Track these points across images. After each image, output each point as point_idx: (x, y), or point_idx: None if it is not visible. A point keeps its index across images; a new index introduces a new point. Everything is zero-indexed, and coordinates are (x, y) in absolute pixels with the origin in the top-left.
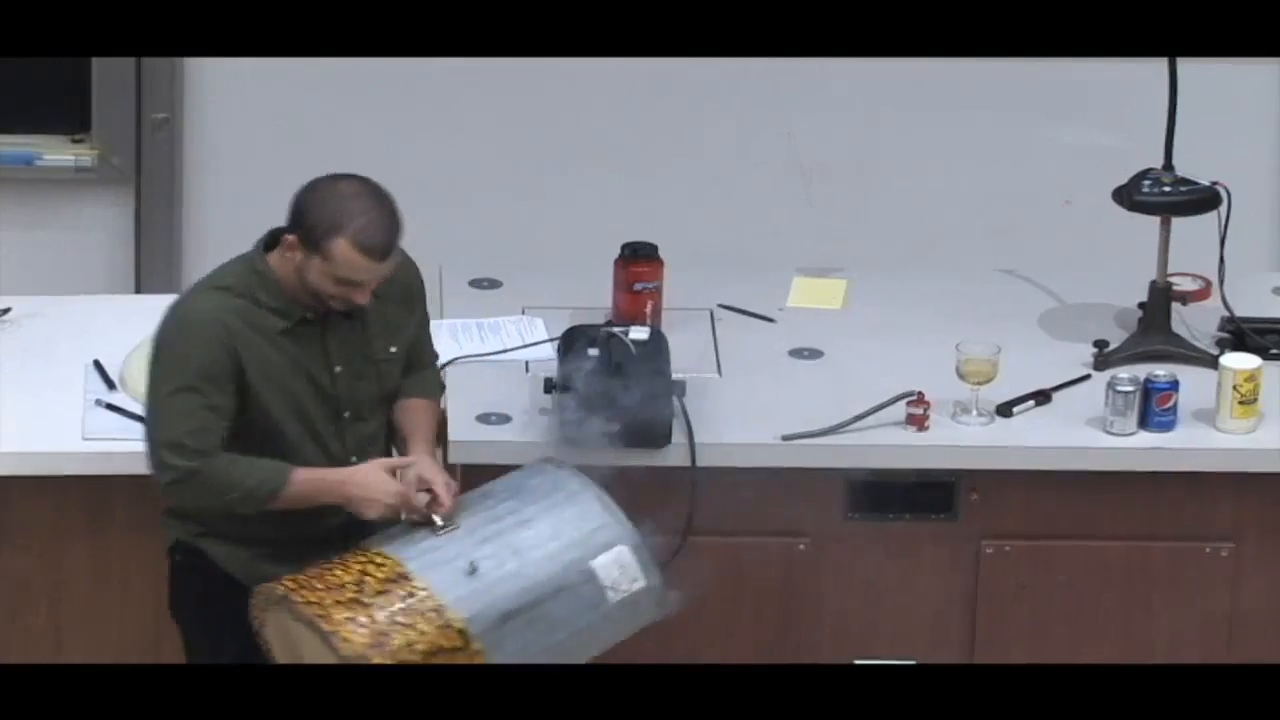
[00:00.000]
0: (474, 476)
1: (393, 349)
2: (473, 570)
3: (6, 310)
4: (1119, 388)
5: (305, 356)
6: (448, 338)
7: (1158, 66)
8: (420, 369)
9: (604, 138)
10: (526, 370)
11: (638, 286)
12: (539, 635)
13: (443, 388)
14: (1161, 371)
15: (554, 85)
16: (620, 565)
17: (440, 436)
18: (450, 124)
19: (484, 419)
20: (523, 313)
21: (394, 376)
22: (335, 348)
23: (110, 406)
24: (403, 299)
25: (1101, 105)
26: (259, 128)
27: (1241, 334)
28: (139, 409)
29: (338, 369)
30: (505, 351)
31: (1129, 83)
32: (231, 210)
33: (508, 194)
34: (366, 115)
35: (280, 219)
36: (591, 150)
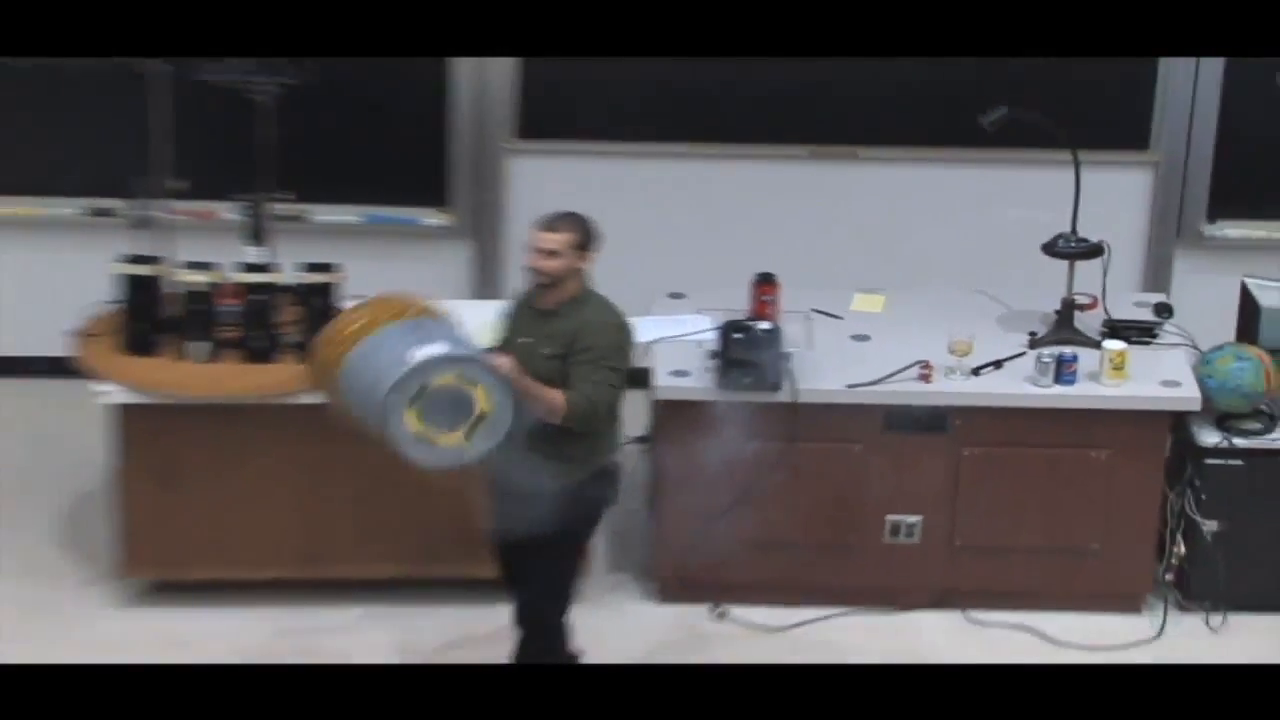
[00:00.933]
0: (670, 410)
1: (546, 351)
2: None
3: None
4: (1043, 359)
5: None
6: (653, 327)
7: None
8: (569, 388)
9: (743, 212)
10: (699, 346)
11: (764, 298)
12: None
13: (577, 405)
14: (1068, 350)
15: (725, 175)
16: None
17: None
18: (661, 197)
19: (674, 374)
20: (698, 313)
21: (543, 370)
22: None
23: None
24: (573, 338)
25: (1038, 193)
26: (554, 197)
27: (1115, 329)
28: None
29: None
30: (687, 335)
31: (1056, 179)
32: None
33: (691, 243)
34: (625, 190)
35: None
36: (733, 217)
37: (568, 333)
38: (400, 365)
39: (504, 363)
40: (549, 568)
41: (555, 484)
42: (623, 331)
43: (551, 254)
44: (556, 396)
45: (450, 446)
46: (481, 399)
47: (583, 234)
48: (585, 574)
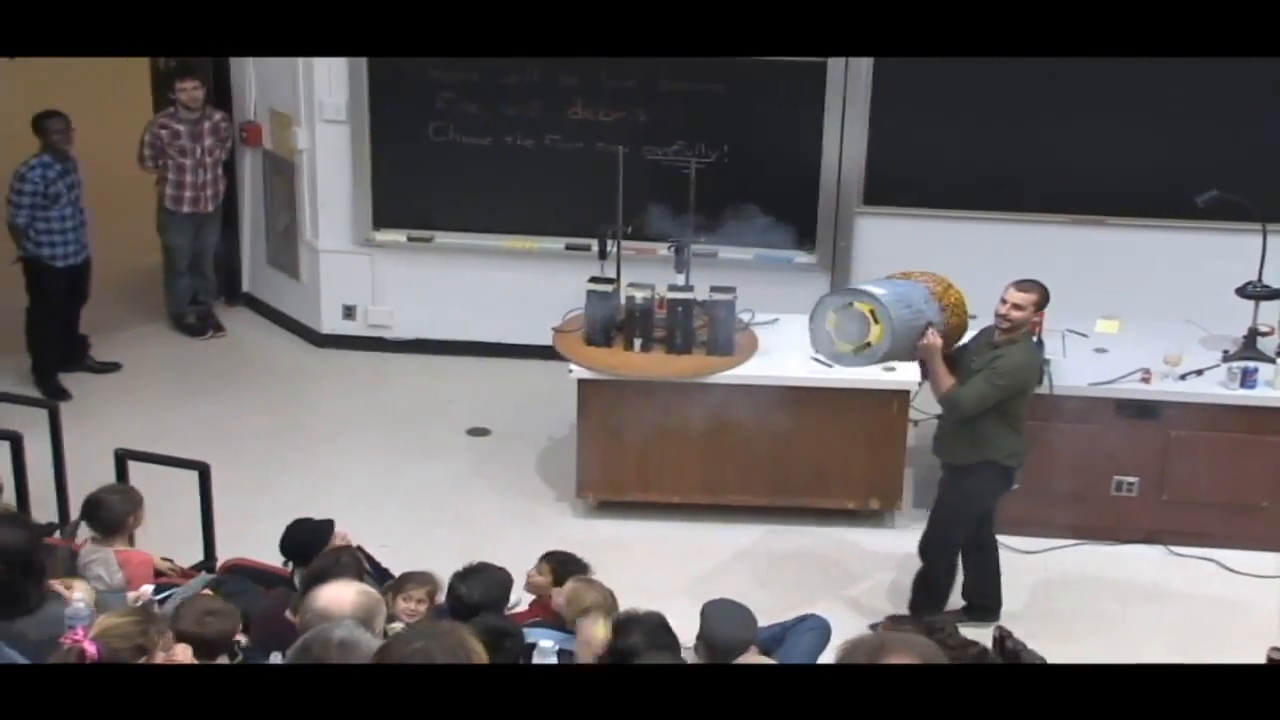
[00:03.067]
0: None
1: (975, 365)
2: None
3: (776, 319)
4: (1232, 369)
5: None
6: None
7: (1257, 235)
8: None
9: (1019, 260)
10: None
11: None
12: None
13: (950, 392)
14: (1251, 364)
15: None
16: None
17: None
18: (960, 248)
19: None
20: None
21: (966, 376)
22: None
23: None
24: (994, 359)
25: (1236, 251)
26: (887, 246)
27: None
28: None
29: None
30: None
31: (1249, 241)
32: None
33: (981, 280)
34: (937, 243)
35: None
36: (1012, 263)
37: (992, 358)
38: (853, 287)
39: (932, 338)
40: (940, 513)
41: (955, 457)
42: (1025, 365)
43: (1016, 307)
44: (946, 381)
45: (840, 350)
46: (874, 334)
47: (1042, 296)
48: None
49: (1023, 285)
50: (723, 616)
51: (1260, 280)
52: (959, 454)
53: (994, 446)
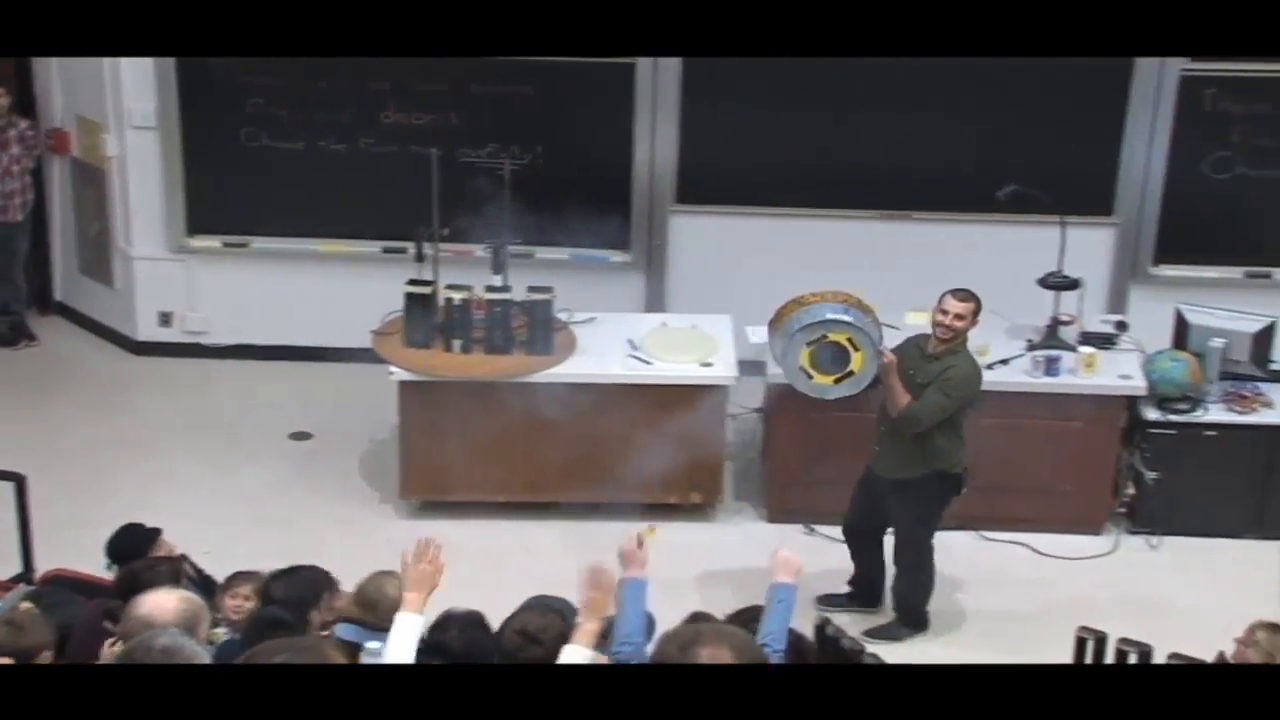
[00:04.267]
0: (777, 391)
1: (919, 381)
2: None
3: (594, 318)
4: (1036, 358)
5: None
6: (765, 333)
7: (1055, 228)
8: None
9: (831, 253)
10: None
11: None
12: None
13: (909, 409)
14: (1054, 352)
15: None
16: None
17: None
18: (774, 244)
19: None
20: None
21: (913, 392)
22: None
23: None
24: (941, 373)
25: (1035, 244)
26: (701, 244)
27: (1088, 338)
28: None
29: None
30: None
31: (1048, 234)
32: (688, 282)
33: (792, 274)
34: (749, 239)
35: (705, 301)
36: (825, 257)
37: (937, 371)
38: (813, 318)
39: (889, 355)
40: (905, 528)
41: (904, 473)
42: (975, 374)
43: (959, 317)
44: (904, 398)
45: (820, 384)
46: (857, 361)
47: (978, 304)
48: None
49: (961, 295)
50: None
51: (1060, 271)
52: (909, 469)
53: (942, 457)
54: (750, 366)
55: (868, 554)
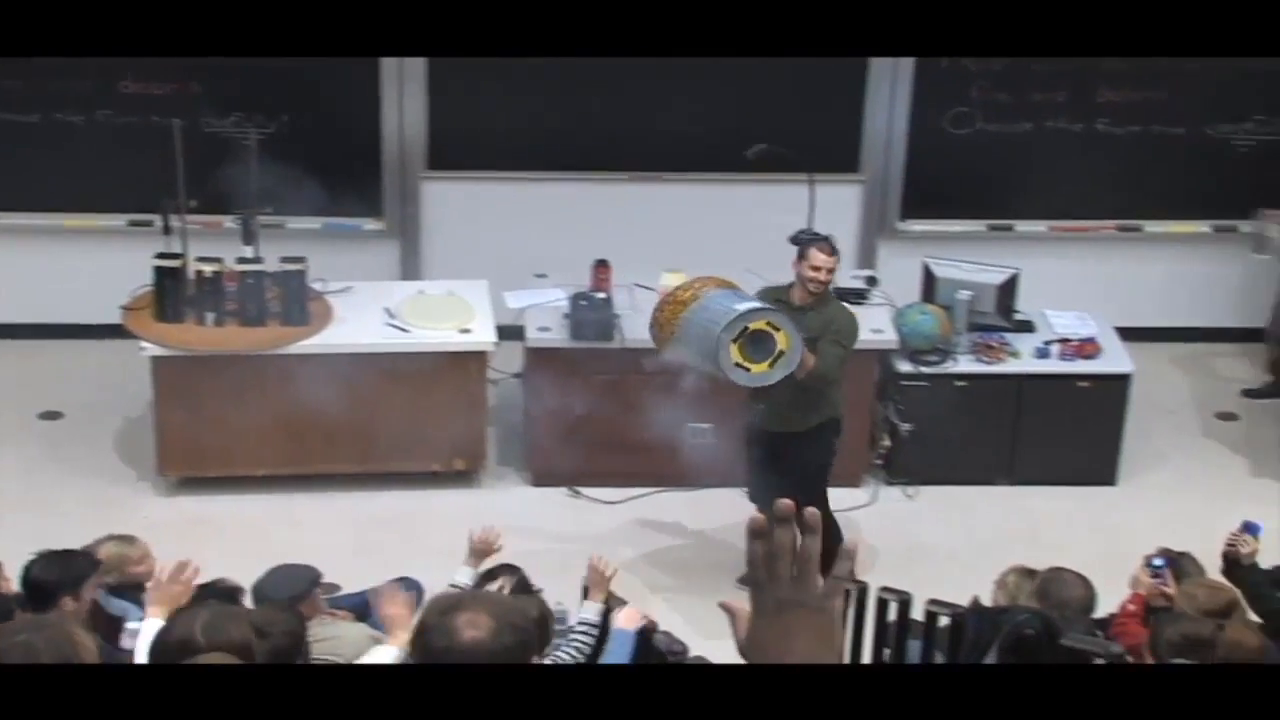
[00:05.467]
0: (537, 355)
1: (802, 335)
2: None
3: (349, 287)
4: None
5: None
6: (525, 297)
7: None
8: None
9: (586, 217)
10: (557, 310)
11: (601, 276)
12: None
13: (819, 367)
14: None
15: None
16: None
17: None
18: (531, 208)
19: (540, 330)
20: (556, 287)
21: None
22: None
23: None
24: (826, 326)
25: (786, 202)
26: (455, 211)
27: (840, 294)
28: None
29: None
30: (548, 302)
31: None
32: (443, 248)
33: (551, 239)
34: (504, 204)
35: (461, 267)
36: (580, 220)
37: (821, 323)
38: (729, 313)
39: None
40: (806, 478)
41: (805, 424)
42: (854, 322)
43: (829, 270)
44: (809, 359)
45: (759, 373)
46: (782, 340)
47: (839, 256)
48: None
49: (827, 248)
50: (275, 576)
51: (810, 228)
52: (804, 421)
53: (832, 404)
54: (509, 331)
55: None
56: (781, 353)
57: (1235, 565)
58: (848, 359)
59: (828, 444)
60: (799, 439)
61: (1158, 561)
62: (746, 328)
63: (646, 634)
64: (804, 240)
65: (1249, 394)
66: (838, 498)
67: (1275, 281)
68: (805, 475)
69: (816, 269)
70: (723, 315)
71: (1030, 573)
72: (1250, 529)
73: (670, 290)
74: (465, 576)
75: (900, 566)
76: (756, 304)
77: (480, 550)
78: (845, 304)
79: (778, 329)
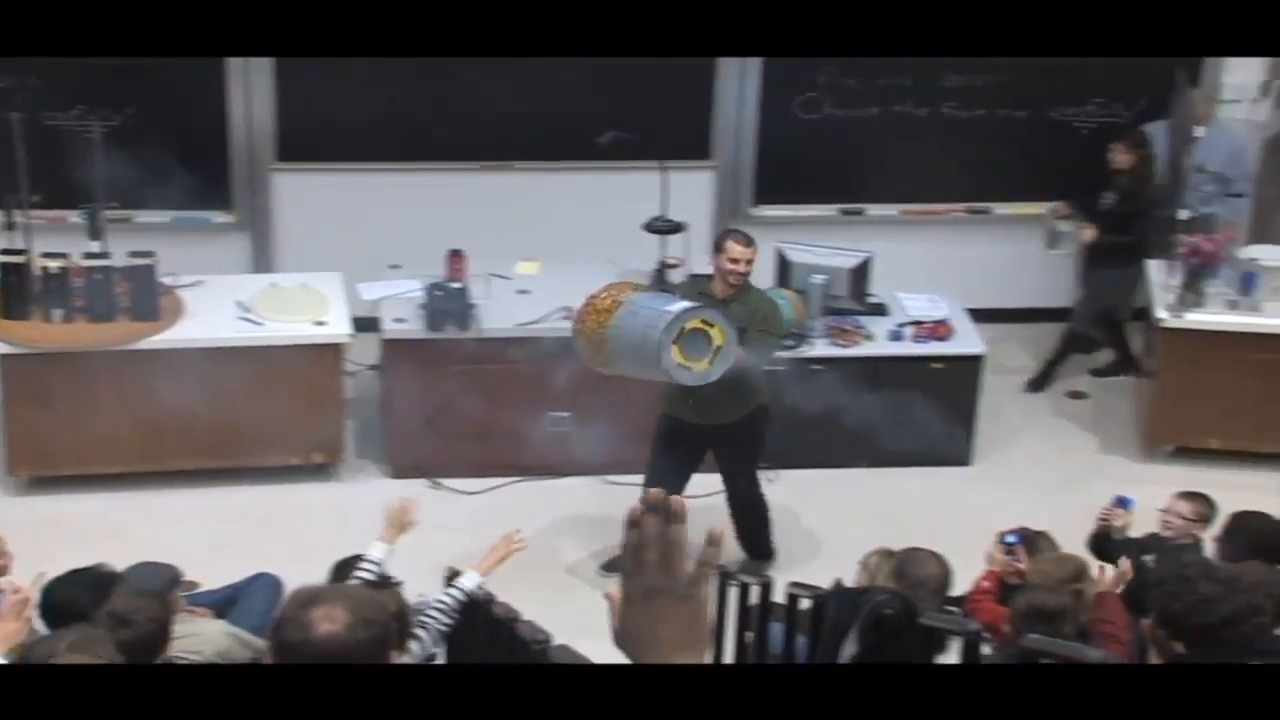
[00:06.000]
0: (394, 347)
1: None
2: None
3: (200, 281)
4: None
5: None
6: (380, 289)
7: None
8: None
9: (440, 208)
10: (412, 301)
11: (455, 266)
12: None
13: (763, 355)
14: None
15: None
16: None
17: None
18: (382, 199)
19: (396, 321)
20: (411, 278)
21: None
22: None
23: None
24: (752, 316)
25: (640, 190)
26: (306, 202)
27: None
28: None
29: None
30: (403, 294)
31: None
32: (294, 241)
33: (405, 229)
34: (356, 194)
35: (313, 259)
36: (433, 212)
37: (746, 313)
38: (665, 316)
39: None
40: (742, 467)
41: (734, 415)
42: (779, 309)
43: (749, 262)
44: (743, 353)
45: (700, 371)
46: (718, 336)
47: (757, 246)
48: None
49: (744, 239)
50: (133, 574)
51: (664, 215)
52: (735, 411)
53: (758, 390)
54: (365, 323)
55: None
56: (719, 348)
57: (1107, 539)
58: (779, 347)
59: (758, 431)
60: (730, 429)
61: (1010, 538)
62: (683, 328)
63: (485, 605)
64: (656, 228)
65: (1096, 373)
66: (698, 483)
67: (1072, 272)
68: (739, 465)
69: (735, 261)
70: (658, 318)
71: (890, 553)
72: (1123, 503)
73: (588, 300)
74: (379, 551)
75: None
76: (688, 303)
77: (397, 522)
78: (766, 294)
79: (712, 325)
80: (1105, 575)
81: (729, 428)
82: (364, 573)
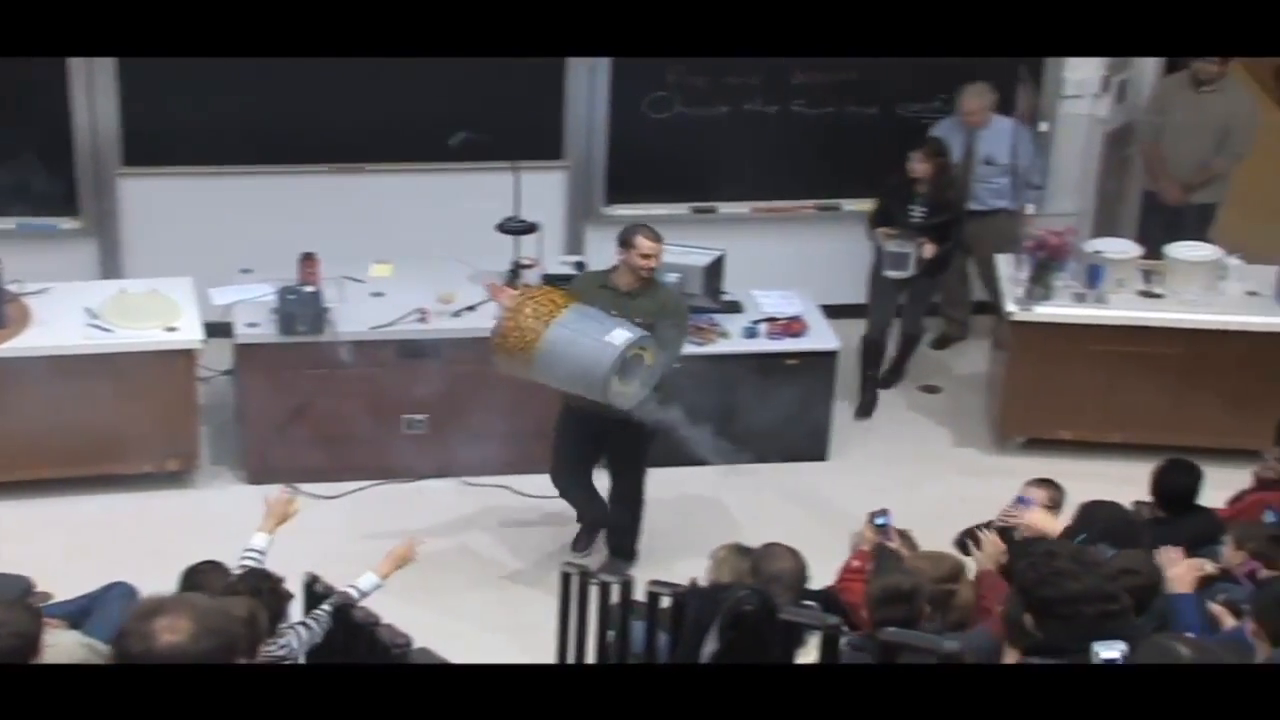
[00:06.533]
0: (247, 351)
1: (637, 320)
2: None
3: (47, 289)
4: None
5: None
6: (231, 293)
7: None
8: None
9: (290, 211)
10: (265, 305)
11: (308, 270)
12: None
13: (674, 348)
14: None
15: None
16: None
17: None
18: (230, 203)
19: (249, 325)
20: (263, 282)
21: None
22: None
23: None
24: (660, 311)
25: (492, 191)
26: (152, 206)
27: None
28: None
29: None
30: (256, 298)
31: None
32: (143, 246)
33: (255, 234)
34: (203, 198)
35: (163, 265)
36: (283, 215)
37: (653, 309)
38: (609, 350)
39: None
40: (634, 458)
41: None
42: (684, 302)
43: (658, 257)
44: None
45: (633, 392)
46: (649, 358)
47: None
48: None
49: (651, 234)
50: None
51: (517, 216)
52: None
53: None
54: (217, 328)
55: (589, 495)
56: (648, 367)
57: (1009, 539)
58: (685, 339)
59: (651, 424)
60: (625, 421)
61: (880, 520)
62: (626, 358)
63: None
64: (510, 229)
65: (935, 346)
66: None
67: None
68: (630, 455)
69: (646, 256)
70: (603, 352)
71: (744, 550)
72: (1022, 502)
73: (509, 312)
74: (261, 542)
75: None
76: (627, 333)
77: (279, 513)
78: (672, 289)
79: (644, 349)
80: (982, 551)
81: (624, 420)
82: (249, 560)
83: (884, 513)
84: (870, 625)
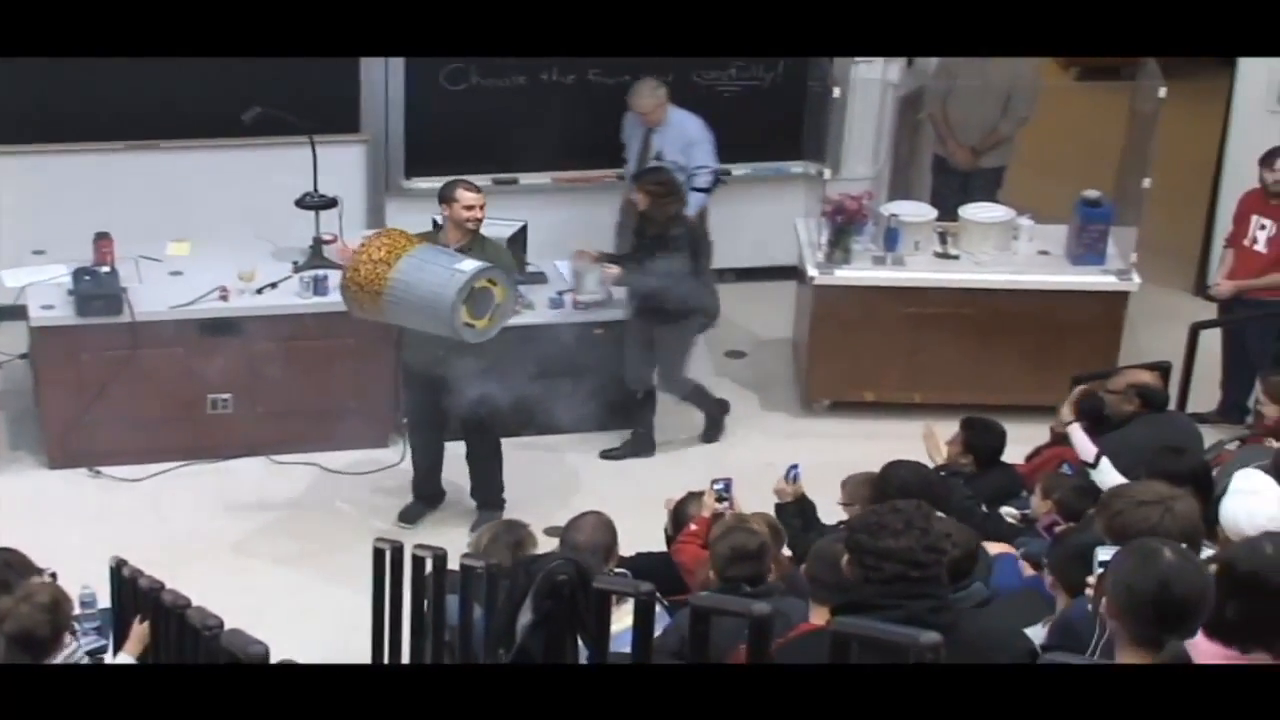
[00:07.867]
0: (44, 334)
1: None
2: None
3: None
4: (304, 279)
5: None
6: (25, 275)
7: (306, 149)
8: None
9: (85, 189)
10: (60, 287)
11: (103, 250)
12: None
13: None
14: (321, 271)
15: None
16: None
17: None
18: (29, 182)
19: (44, 308)
20: (56, 263)
21: None
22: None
23: None
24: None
25: (290, 167)
26: None
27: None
28: None
29: None
30: (51, 279)
31: (301, 155)
32: None
33: (51, 212)
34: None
35: None
36: (77, 193)
37: (486, 261)
38: (456, 275)
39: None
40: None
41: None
42: (511, 255)
43: (482, 207)
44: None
45: (483, 328)
46: (499, 295)
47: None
48: None
49: (470, 186)
50: None
51: (316, 191)
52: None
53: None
54: (11, 311)
55: (433, 464)
56: (498, 305)
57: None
58: (516, 291)
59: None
60: (458, 382)
61: (719, 485)
62: (473, 288)
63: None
64: (309, 204)
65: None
66: (370, 458)
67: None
68: (476, 412)
69: (470, 208)
70: (450, 278)
71: (511, 524)
72: (789, 472)
73: (361, 248)
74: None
75: (437, 519)
76: (477, 263)
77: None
78: (496, 242)
79: (495, 284)
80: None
81: (455, 381)
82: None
83: (725, 480)
84: (718, 583)
